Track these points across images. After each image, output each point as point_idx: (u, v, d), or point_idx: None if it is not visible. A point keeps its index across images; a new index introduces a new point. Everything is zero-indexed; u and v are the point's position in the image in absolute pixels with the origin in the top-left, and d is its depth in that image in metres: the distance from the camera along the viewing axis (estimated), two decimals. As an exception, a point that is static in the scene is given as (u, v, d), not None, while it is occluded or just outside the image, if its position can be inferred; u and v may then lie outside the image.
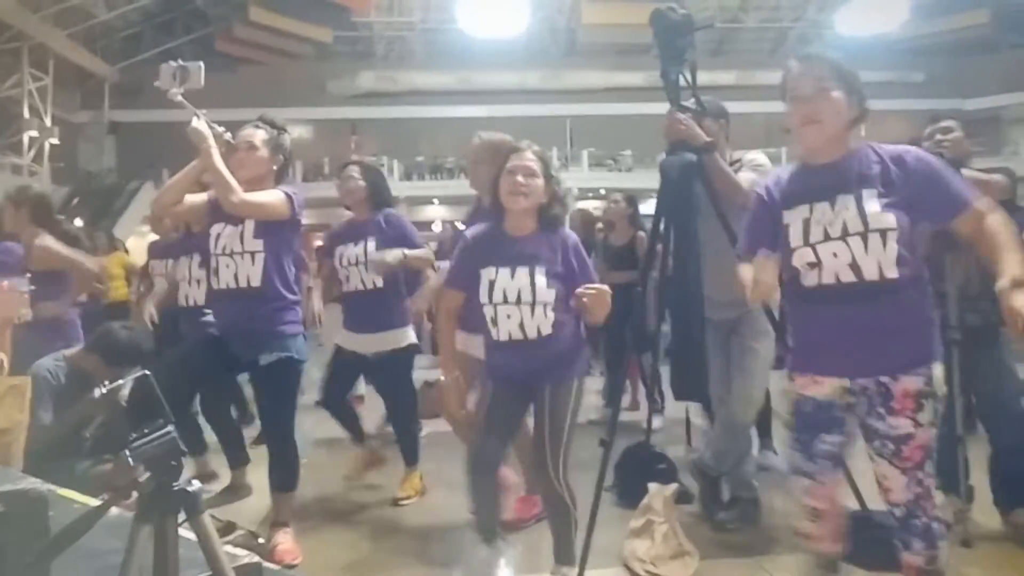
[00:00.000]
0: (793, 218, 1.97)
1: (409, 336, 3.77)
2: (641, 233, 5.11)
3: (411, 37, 23.00)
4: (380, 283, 3.62)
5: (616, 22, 19.59)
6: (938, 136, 2.97)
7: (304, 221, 3.12)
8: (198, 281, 3.99)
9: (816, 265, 1.92)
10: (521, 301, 2.41)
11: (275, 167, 3.01)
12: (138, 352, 3.16)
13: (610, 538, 2.85)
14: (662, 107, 2.82)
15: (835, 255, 1.89)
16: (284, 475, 3.04)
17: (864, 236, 1.86)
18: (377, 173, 3.90)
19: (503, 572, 2.74)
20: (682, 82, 2.76)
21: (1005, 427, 2.94)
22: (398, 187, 20.45)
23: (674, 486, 2.99)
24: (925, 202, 1.89)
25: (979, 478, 3.03)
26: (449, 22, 21.36)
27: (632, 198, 5.43)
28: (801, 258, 1.94)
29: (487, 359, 2.61)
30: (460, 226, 9.95)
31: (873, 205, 1.87)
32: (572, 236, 2.52)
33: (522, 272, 2.42)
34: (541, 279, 2.41)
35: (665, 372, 4.40)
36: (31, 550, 1.34)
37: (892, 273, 1.86)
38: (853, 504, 2.67)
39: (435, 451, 4.55)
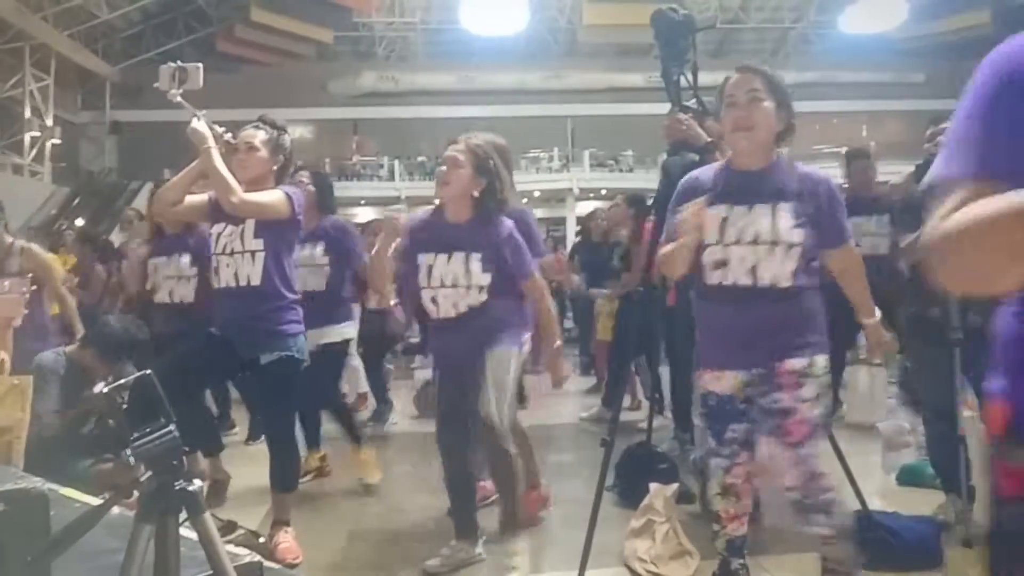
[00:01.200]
0: (711, 217, 2.10)
1: (346, 332, 3.99)
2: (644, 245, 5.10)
3: (412, 37, 23.01)
4: (321, 287, 3.82)
5: (617, 22, 19.58)
6: (940, 138, 2.96)
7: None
8: (187, 279, 4.04)
9: (723, 265, 2.08)
10: (457, 284, 2.60)
11: (275, 167, 3.01)
12: (131, 343, 3.17)
13: (611, 538, 2.85)
14: (663, 107, 2.82)
15: (742, 259, 2.06)
16: (285, 474, 3.04)
17: (771, 246, 2.04)
18: (325, 179, 4.22)
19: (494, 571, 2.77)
20: (683, 82, 2.76)
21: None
22: (399, 187, 20.52)
23: (675, 486, 2.99)
24: (820, 227, 2.08)
25: (980, 478, 3.02)
26: (450, 22, 21.37)
27: (640, 197, 5.37)
28: (711, 255, 2.10)
29: (431, 346, 2.87)
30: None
31: (786, 220, 2.04)
32: (508, 225, 2.65)
33: (458, 257, 2.59)
34: (476, 264, 2.58)
35: (665, 372, 4.43)
36: (32, 549, 1.34)
37: (785, 283, 2.05)
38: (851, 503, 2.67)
39: (435, 451, 4.56)
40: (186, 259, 3.98)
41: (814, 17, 22.37)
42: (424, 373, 5.86)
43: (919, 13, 20.16)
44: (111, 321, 3.27)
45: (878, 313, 2.31)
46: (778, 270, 2.04)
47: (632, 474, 3.41)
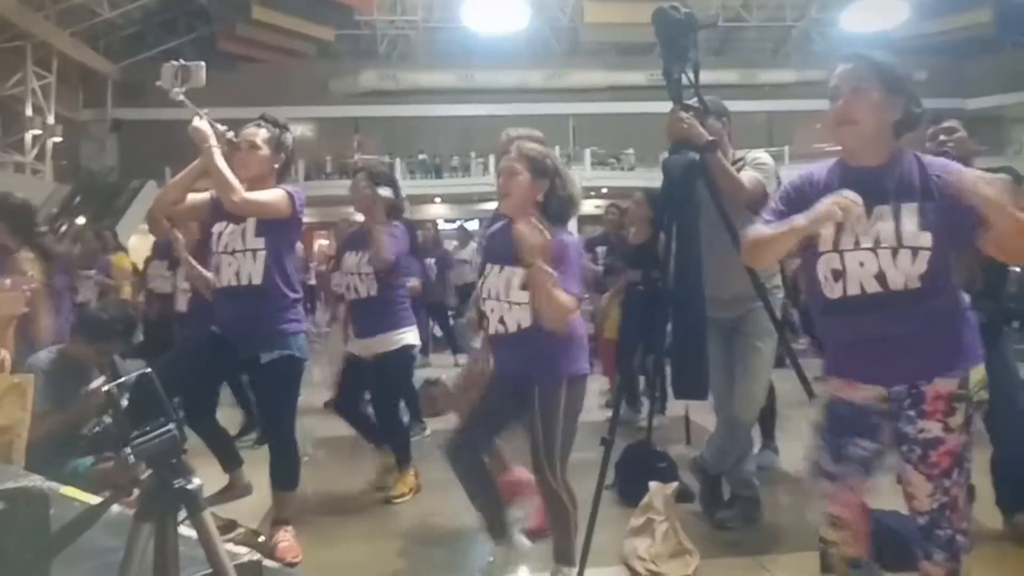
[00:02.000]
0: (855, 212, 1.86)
1: (407, 338, 3.79)
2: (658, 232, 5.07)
3: (413, 36, 23.01)
4: (374, 292, 3.71)
5: (618, 21, 19.59)
6: (942, 136, 2.96)
7: (306, 220, 3.12)
8: (183, 290, 4.13)
9: (841, 274, 1.87)
10: (500, 298, 2.49)
11: (277, 166, 3.01)
12: (116, 325, 3.17)
13: (610, 536, 2.85)
14: (665, 106, 2.81)
15: (861, 264, 1.84)
16: (285, 473, 3.04)
17: (895, 251, 1.81)
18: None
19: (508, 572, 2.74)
20: (685, 81, 2.76)
21: (1008, 427, 2.93)
22: (400, 185, 20.49)
23: (675, 485, 2.99)
24: (952, 225, 1.82)
25: (981, 478, 3.02)
26: (451, 21, 21.38)
27: (653, 197, 5.35)
28: (827, 264, 1.89)
29: (493, 356, 2.68)
30: (460, 224, 9.90)
31: (910, 223, 1.81)
32: (565, 239, 2.47)
33: (509, 270, 2.47)
34: (516, 279, 2.45)
35: (666, 372, 4.42)
36: (32, 547, 1.34)
37: (916, 284, 1.81)
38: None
39: (437, 451, 4.56)
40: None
41: (816, 15, 22.35)
42: (425, 373, 5.86)
43: (921, 11, 20.14)
44: (93, 309, 3.28)
45: None
46: (908, 272, 1.81)
47: (632, 473, 3.41)
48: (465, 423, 2.69)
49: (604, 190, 19.00)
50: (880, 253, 1.82)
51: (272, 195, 2.91)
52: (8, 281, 3.01)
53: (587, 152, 21.41)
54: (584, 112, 22.54)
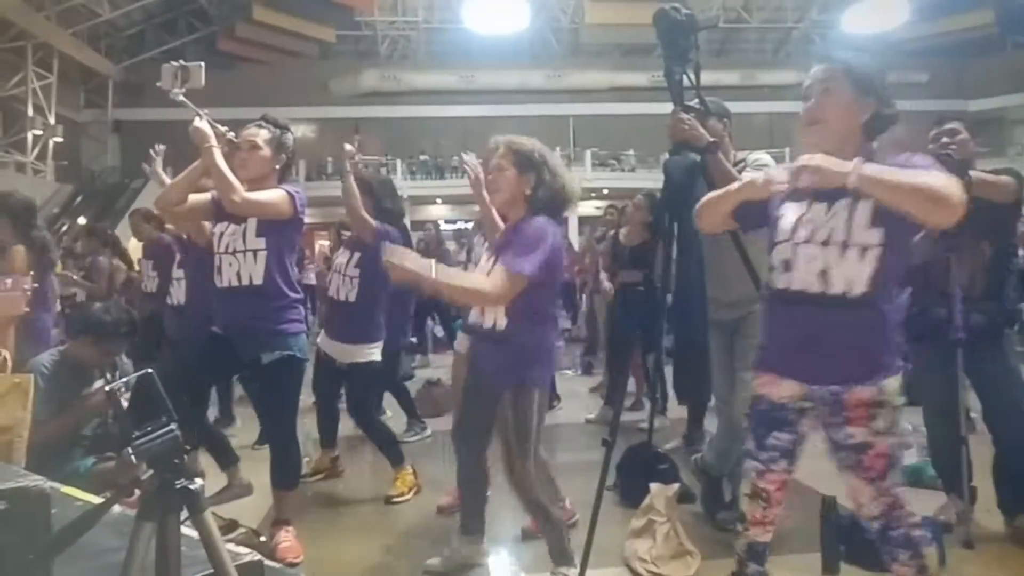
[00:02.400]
0: (788, 211, 1.97)
1: (373, 355, 3.82)
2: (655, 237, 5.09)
3: (414, 36, 23.03)
4: (353, 297, 3.73)
5: (619, 22, 19.61)
6: (944, 139, 2.95)
7: (307, 220, 3.12)
8: (177, 280, 4.11)
9: (790, 266, 1.92)
10: None
11: (278, 166, 3.01)
12: (120, 326, 3.16)
13: (612, 538, 2.85)
14: (665, 107, 2.81)
15: (810, 259, 1.88)
16: (286, 473, 3.04)
17: (843, 247, 1.85)
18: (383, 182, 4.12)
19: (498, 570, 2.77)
20: (686, 82, 2.76)
21: (1009, 429, 2.93)
22: (401, 186, 20.51)
23: (676, 486, 2.99)
24: (903, 227, 1.83)
25: (982, 479, 3.02)
26: (452, 21, 21.40)
27: (653, 200, 5.37)
28: (779, 253, 1.95)
29: (470, 348, 2.83)
30: (461, 225, 9.88)
31: (863, 218, 1.84)
32: (535, 221, 2.48)
33: (491, 263, 2.51)
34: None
35: (667, 373, 4.43)
36: (33, 547, 1.34)
37: (857, 290, 1.84)
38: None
39: (437, 451, 4.55)
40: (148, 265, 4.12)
41: (816, 17, 22.37)
42: (425, 373, 5.88)
43: (922, 13, 20.15)
44: (96, 309, 3.27)
45: None
46: (851, 274, 1.84)
47: (633, 474, 3.41)
48: (460, 416, 2.81)
49: (605, 191, 19.02)
50: (829, 249, 1.86)
51: (273, 195, 2.91)
52: (9, 281, 3.01)
53: (588, 153, 21.42)
54: (585, 113, 22.55)
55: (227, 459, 3.68)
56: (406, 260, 2.19)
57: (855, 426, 1.88)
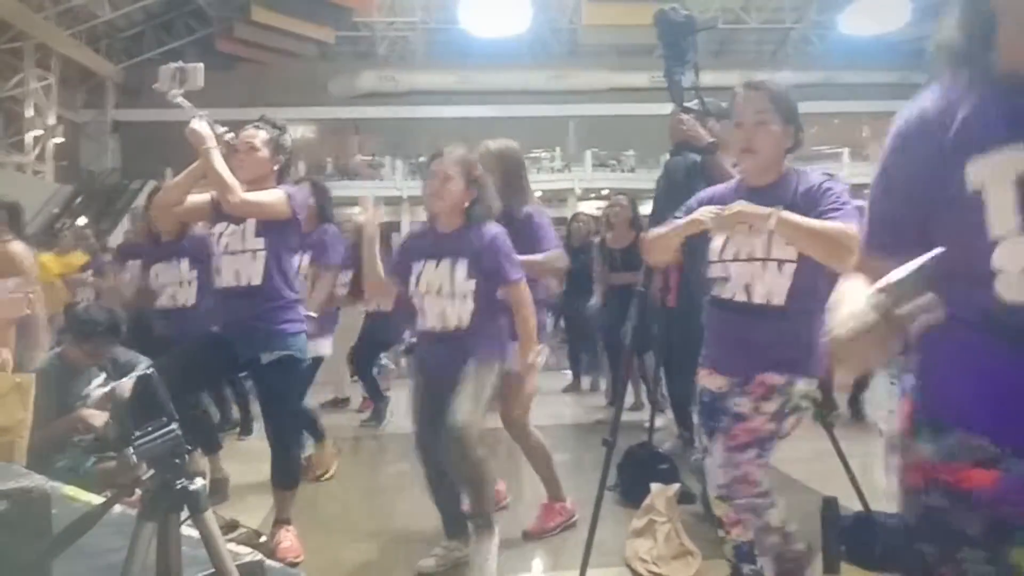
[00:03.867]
0: (717, 234, 2.13)
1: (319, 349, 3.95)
2: (642, 235, 5.10)
3: (413, 37, 23.02)
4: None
5: (619, 23, 19.59)
6: None
7: (305, 220, 3.13)
8: (188, 283, 4.08)
9: (725, 280, 2.13)
10: (442, 291, 2.64)
11: (276, 167, 3.01)
12: (98, 324, 3.19)
13: (612, 537, 2.85)
14: (665, 108, 2.82)
15: (739, 275, 2.10)
16: (286, 473, 3.04)
17: (764, 263, 2.05)
18: (324, 189, 4.22)
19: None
20: (685, 83, 2.76)
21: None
22: (400, 186, 20.53)
23: (676, 486, 2.99)
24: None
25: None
26: (451, 22, 21.37)
27: (634, 200, 5.43)
28: (714, 271, 2.17)
29: (416, 353, 2.89)
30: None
31: (778, 237, 2.01)
32: (492, 231, 2.68)
33: (444, 264, 2.64)
34: (461, 270, 2.63)
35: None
36: (34, 547, 1.34)
37: (777, 301, 2.06)
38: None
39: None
40: (185, 263, 4.05)
41: (815, 18, 22.38)
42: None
43: (921, 14, 20.15)
44: (78, 310, 3.31)
45: None
46: (772, 286, 2.06)
47: (633, 474, 3.41)
48: (417, 433, 2.85)
49: (605, 191, 19.02)
50: (753, 265, 2.08)
51: (271, 195, 2.91)
52: (10, 283, 3.01)
53: (588, 154, 21.43)
54: (585, 114, 22.54)
55: (210, 445, 3.70)
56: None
57: (746, 398, 2.08)
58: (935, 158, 1.01)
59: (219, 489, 3.63)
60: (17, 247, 3.86)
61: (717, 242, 2.16)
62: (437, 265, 2.66)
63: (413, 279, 2.71)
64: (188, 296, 4.06)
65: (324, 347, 4.17)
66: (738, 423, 2.07)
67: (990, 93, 0.99)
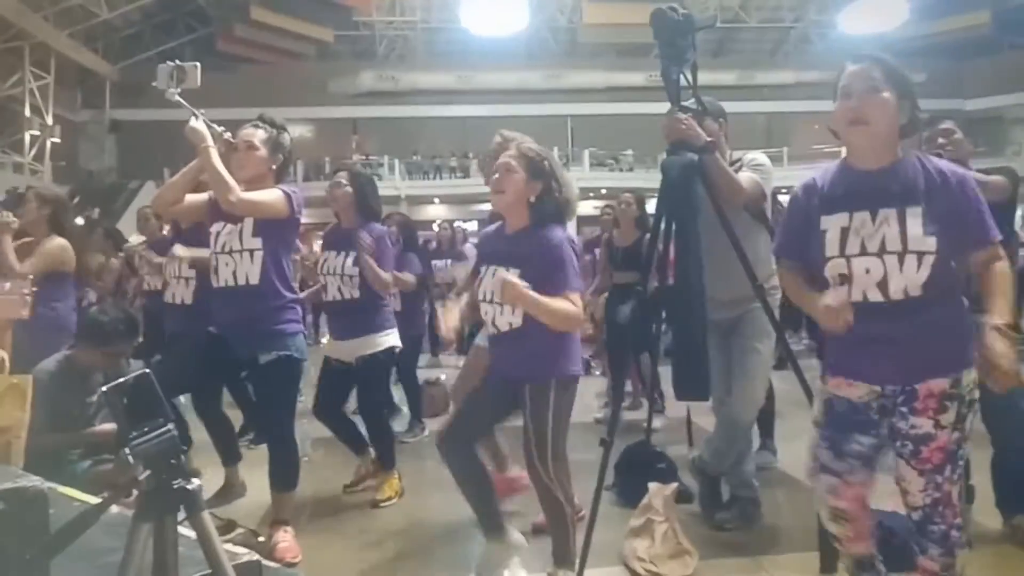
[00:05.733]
0: (831, 225, 1.93)
1: (389, 340, 3.75)
2: (647, 235, 5.09)
3: (412, 37, 23.03)
4: (357, 294, 3.66)
5: (617, 22, 19.61)
6: (940, 139, 2.95)
7: (304, 220, 3.12)
8: (186, 280, 3.96)
9: (847, 279, 1.89)
10: (493, 300, 2.49)
11: (274, 166, 3.00)
12: (118, 326, 3.14)
13: (610, 537, 2.85)
14: (663, 107, 2.81)
15: (867, 271, 1.87)
16: (284, 474, 3.03)
17: (901, 256, 1.84)
18: (367, 180, 3.92)
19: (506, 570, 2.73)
20: (683, 82, 2.76)
21: (1008, 429, 2.93)
22: (399, 186, 20.53)
23: (674, 485, 2.99)
24: (955, 227, 1.86)
25: (981, 478, 3.02)
26: (450, 22, 21.40)
27: (641, 199, 5.39)
28: (834, 269, 1.91)
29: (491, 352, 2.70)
30: (458, 225, 9.92)
31: (916, 226, 1.83)
32: (555, 236, 2.47)
33: (501, 271, 2.45)
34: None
35: (666, 372, 4.42)
36: (31, 548, 1.33)
37: (917, 292, 1.84)
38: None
39: (435, 451, 4.55)
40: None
41: (814, 17, 22.40)
42: (424, 373, 5.88)
43: (919, 13, 20.17)
44: (95, 313, 3.24)
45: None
46: (911, 280, 1.84)
47: (631, 473, 3.41)
48: (455, 416, 2.72)
49: (603, 191, 19.03)
50: (886, 259, 1.85)
51: (269, 195, 2.90)
52: (8, 284, 3.01)
53: (586, 153, 21.44)
54: (582, 113, 22.57)
55: (232, 456, 3.67)
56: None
57: (921, 416, 1.86)
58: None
59: (226, 495, 3.60)
60: (54, 244, 3.73)
61: (834, 233, 1.92)
62: (494, 273, 2.49)
63: (477, 284, 2.59)
64: (185, 294, 3.94)
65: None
66: (924, 445, 1.86)
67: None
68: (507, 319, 2.49)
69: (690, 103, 2.85)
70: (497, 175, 2.53)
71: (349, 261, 3.64)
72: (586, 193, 20.28)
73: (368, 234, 3.62)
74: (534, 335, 2.45)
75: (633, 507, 2.98)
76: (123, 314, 3.25)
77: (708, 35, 20.93)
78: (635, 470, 3.41)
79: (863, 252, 1.87)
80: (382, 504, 3.63)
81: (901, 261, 1.84)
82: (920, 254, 1.83)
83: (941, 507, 1.87)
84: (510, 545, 2.66)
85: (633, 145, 21.07)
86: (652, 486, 2.93)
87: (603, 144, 21.93)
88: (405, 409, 5.20)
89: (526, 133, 2.76)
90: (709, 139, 2.83)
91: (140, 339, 3.42)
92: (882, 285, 1.85)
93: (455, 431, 2.65)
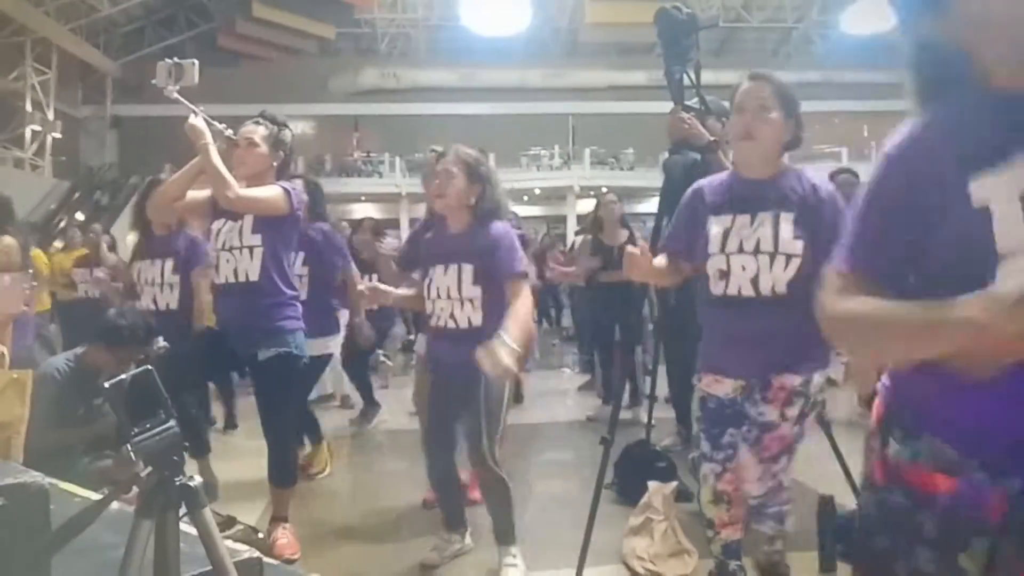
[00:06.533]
0: (716, 224, 2.13)
1: (330, 346, 3.98)
2: (631, 234, 5.11)
3: (414, 34, 23.00)
4: (304, 295, 3.59)
5: (619, 21, 19.58)
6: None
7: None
8: (171, 286, 3.86)
9: (726, 274, 2.10)
10: (450, 296, 2.63)
11: (275, 163, 3.00)
12: (137, 331, 3.15)
13: (609, 536, 2.86)
14: (665, 106, 2.82)
15: (743, 268, 2.08)
16: (283, 471, 3.04)
17: (772, 256, 2.05)
18: (317, 186, 4.16)
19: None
20: (686, 81, 2.76)
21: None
22: (400, 183, 20.52)
23: (673, 484, 2.99)
24: (824, 235, 1.98)
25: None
26: (452, 19, 21.37)
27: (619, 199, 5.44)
28: (714, 265, 2.12)
29: (429, 350, 2.87)
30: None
31: (787, 230, 2.04)
32: (496, 228, 2.64)
33: (452, 268, 2.62)
34: (467, 276, 2.60)
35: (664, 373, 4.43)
36: (32, 544, 1.34)
37: (783, 290, 2.05)
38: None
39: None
40: (169, 264, 3.83)
41: (816, 17, 22.37)
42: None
43: (921, 13, 20.12)
44: (112, 315, 3.24)
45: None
46: (778, 278, 2.05)
47: (631, 472, 3.41)
48: (429, 425, 2.86)
49: (604, 189, 19.01)
50: (759, 258, 2.06)
51: (268, 191, 2.90)
52: (7, 278, 3.01)
53: (587, 151, 21.42)
54: (584, 111, 22.54)
55: (200, 448, 3.64)
56: (499, 356, 2.25)
57: (771, 406, 2.07)
58: (933, 178, 1.01)
59: (208, 492, 3.58)
60: (7, 241, 3.81)
61: (717, 233, 2.13)
62: (446, 270, 2.64)
63: (426, 284, 2.71)
64: (170, 299, 3.82)
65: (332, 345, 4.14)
66: (767, 433, 2.07)
67: (986, 112, 1.01)
68: (467, 314, 2.62)
69: (693, 102, 2.85)
70: (438, 180, 2.68)
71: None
72: (587, 192, 20.29)
73: (316, 235, 3.85)
74: (490, 331, 2.52)
75: (632, 506, 2.98)
76: (141, 320, 3.26)
77: (710, 34, 20.85)
78: (635, 469, 3.41)
79: (740, 251, 2.08)
80: (317, 476, 3.95)
81: (772, 260, 2.05)
82: (788, 256, 2.04)
83: (773, 493, 2.15)
84: (466, 541, 2.95)
85: (634, 144, 21.04)
86: (652, 485, 2.93)
87: (604, 143, 21.91)
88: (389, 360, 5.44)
89: (528, 131, 2.78)
90: (712, 138, 2.84)
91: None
92: (754, 282, 2.06)
93: (436, 440, 2.81)
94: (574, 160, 21.54)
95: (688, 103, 2.83)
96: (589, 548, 2.59)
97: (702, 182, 2.28)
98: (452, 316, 2.64)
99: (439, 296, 2.66)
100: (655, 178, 3.08)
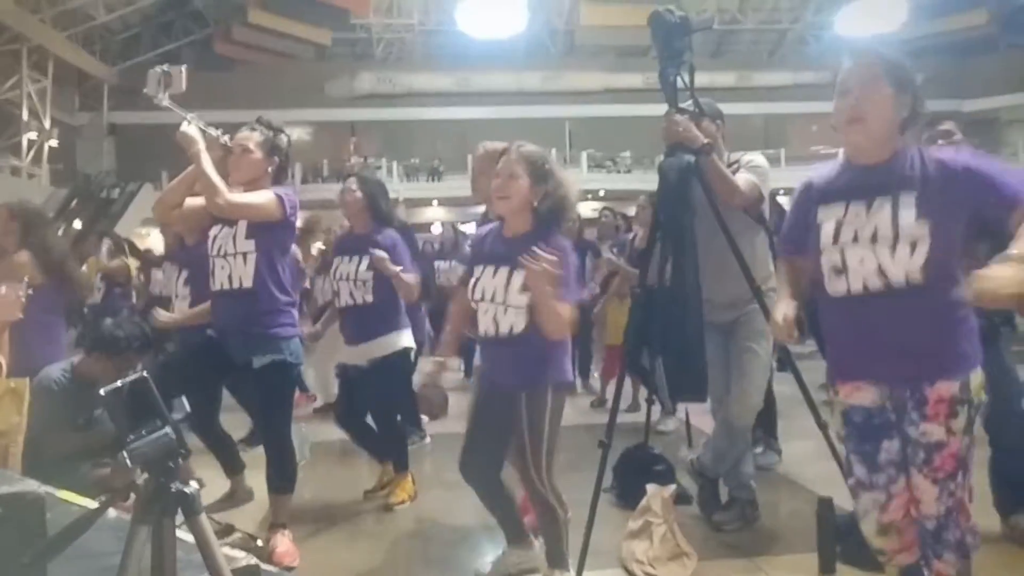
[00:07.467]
0: (827, 215, 1.91)
1: (402, 341, 3.73)
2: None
3: (410, 39, 23.04)
4: (370, 298, 3.63)
5: (614, 24, 19.65)
6: (940, 141, 2.95)
7: (299, 223, 3.12)
8: (183, 297, 3.88)
9: (842, 271, 1.87)
10: (495, 300, 2.46)
11: (270, 169, 2.99)
12: (133, 341, 3.14)
13: (608, 539, 2.85)
14: (660, 109, 2.82)
15: (861, 261, 1.84)
16: (281, 477, 3.03)
17: (893, 244, 1.81)
18: (377, 184, 3.87)
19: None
20: (680, 84, 2.76)
21: (1005, 429, 2.93)
22: (397, 188, 20.53)
23: (672, 487, 2.99)
24: (974, 201, 1.81)
25: (979, 479, 3.02)
26: (448, 24, 21.41)
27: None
28: (829, 261, 1.89)
29: (480, 361, 2.69)
30: (462, 228, 9.95)
31: (908, 214, 1.81)
32: (560, 245, 2.45)
33: (503, 272, 2.45)
34: (517, 282, 2.41)
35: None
36: (29, 551, 1.33)
37: (917, 277, 1.80)
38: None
39: (432, 453, 4.55)
40: (183, 276, 3.86)
41: (811, 18, 22.42)
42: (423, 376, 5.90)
43: (918, 14, 20.20)
44: (108, 324, 3.24)
45: None
46: (907, 266, 1.80)
47: (630, 475, 3.41)
48: (467, 441, 2.65)
49: (601, 192, 19.04)
50: (878, 247, 1.83)
51: (259, 197, 2.89)
52: (4, 287, 3.00)
53: (583, 155, 21.45)
54: (580, 115, 22.58)
55: (235, 466, 3.67)
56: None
57: (933, 423, 1.82)
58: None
59: (231, 500, 3.60)
60: (22, 258, 3.71)
61: (829, 225, 1.90)
62: (495, 272, 2.47)
63: (471, 285, 2.54)
64: (183, 308, 3.83)
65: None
66: (936, 453, 1.83)
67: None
68: (510, 320, 2.45)
69: (687, 105, 2.86)
70: (500, 180, 2.49)
71: (363, 266, 3.60)
72: (584, 195, 20.29)
73: (382, 240, 3.59)
74: (532, 341, 2.44)
75: (631, 509, 2.98)
76: (138, 330, 3.25)
77: (705, 36, 20.92)
78: (633, 472, 3.41)
79: (856, 241, 1.85)
80: (395, 507, 3.62)
81: (893, 249, 1.81)
82: (912, 241, 1.80)
83: (955, 514, 1.84)
84: (533, 554, 2.69)
85: (631, 147, 21.09)
86: (650, 488, 2.93)
87: (601, 146, 21.94)
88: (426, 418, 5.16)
89: (524, 135, 2.74)
90: (706, 140, 2.83)
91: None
92: (881, 273, 1.82)
93: (470, 459, 2.62)
94: (571, 163, 21.56)
95: (683, 105, 2.83)
96: (588, 551, 2.58)
97: (811, 174, 2.05)
98: (495, 320, 2.48)
99: (483, 299, 2.49)
100: (653, 181, 3.07)
